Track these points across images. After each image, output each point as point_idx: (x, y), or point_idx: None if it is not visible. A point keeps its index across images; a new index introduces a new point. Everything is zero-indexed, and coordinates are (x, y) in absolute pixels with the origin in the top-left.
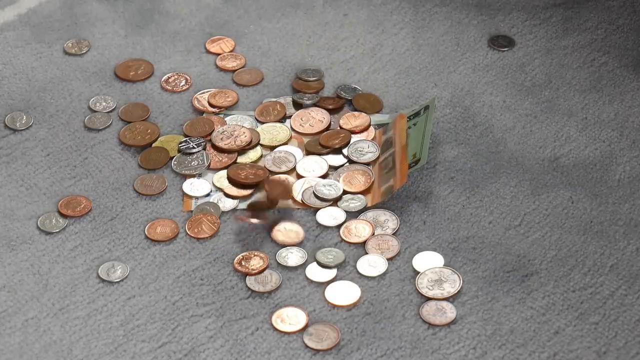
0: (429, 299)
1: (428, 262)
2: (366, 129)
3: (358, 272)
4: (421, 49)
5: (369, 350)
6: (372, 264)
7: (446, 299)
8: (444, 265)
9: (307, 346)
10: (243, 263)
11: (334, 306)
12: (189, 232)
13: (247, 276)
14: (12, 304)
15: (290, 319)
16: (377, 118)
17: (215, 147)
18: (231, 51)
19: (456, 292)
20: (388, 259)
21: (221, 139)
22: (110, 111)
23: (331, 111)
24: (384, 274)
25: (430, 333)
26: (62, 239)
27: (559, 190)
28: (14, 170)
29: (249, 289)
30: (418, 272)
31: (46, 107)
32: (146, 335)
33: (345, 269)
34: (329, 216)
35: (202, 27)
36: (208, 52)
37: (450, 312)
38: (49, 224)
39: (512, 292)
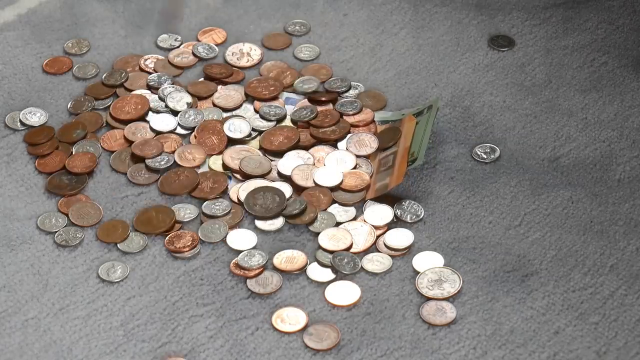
0: (429, 299)
1: (428, 262)
2: (368, 124)
3: (362, 268)
4: (421, 49)
5: (369, 350)
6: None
7: (446, 299)
8: (444, 265)
9: (307, 346)
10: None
11: (334, 306)
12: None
13: (247, 279)
14: (12, 304)
15: (290, 319)
16: (380, 115)
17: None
18: (223, 42)
19: (456, 292)
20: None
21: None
22: (106, 108)
23: (323, 104)
24: (388, 271)
25: (430, 333)
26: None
27: (559, 190)
28: (14, 170)
29: (249, 290)
30: (418, 272)
31: (46, 107)
32: (146, 335)
33: (346, 268)
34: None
35: (202, 27)
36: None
37: (450, 312)
38: (49, 223)
39: (512, 292)
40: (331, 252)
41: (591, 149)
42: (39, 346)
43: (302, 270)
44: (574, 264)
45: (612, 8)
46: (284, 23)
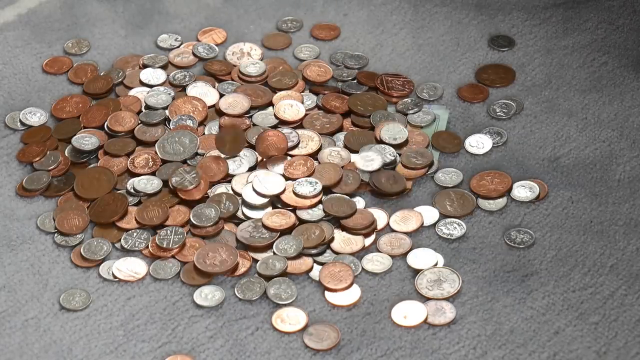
0: (428, 299)
1: (427, 261)
2: None
3: (363, 268)
4: (421, 49)
5: (369, 350)
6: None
7: (446, 299)
8: (443, 265)
9: (307, 346)
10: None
11: (334, 306)
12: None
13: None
14: (12, 304)
15: (290, 319)
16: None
17: None
18: (223, 42)
19: (456, 292)
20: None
21: None
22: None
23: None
24: (388, 271)
25: (430, 333)
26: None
27: (559, 190)
28: (14, 170)
29: (274, 303)
30: (417, 272)
31: (46, 107)
32: (146, 335)
33: (350, 264)
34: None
35: (202, 27)
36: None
37: (450, 312)
38: (49, 223)
39: (512, 292)
40: (340, 253)
41: (591, 149)
42: (39, 346)
43: (309, 272)
44: (574, 264)
45: (612, 8)
46: (279, 22)
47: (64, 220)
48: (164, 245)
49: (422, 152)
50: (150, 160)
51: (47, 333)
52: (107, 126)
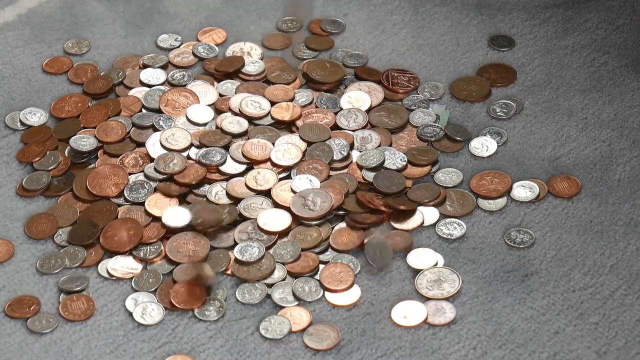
0: (428, 299)
1: (428, 262)
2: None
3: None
4: (421, 49)
5: (369, 350)
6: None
7: (446, 299)
8: (443, 265)
9: (307, 346)
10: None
11: (334, 306)
12: None
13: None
14: None
15: (291, 318)
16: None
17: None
18: (223, 42)
19: (456, 292)
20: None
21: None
22: None
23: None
24: (388, 271)
25: (430, 333)
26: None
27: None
28: (13, 170)
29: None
30: (417, 272)
31: (46, 107)
32: (146, 335)
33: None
34: None
35: (202, 27)
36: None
37: (450, 312)
38: None
39: (512, 292)
40: (341, 251)
41: (591, 149)
42: (39, 346)
43: (314, 270)
44: (574, 264)
45: (612, 8)
46: (279, 22)
47: (33, 225)
48: (141, 256)
49: (426, 149)
50: (140, 159)
51: (47, 333)
52: (95, 136)
